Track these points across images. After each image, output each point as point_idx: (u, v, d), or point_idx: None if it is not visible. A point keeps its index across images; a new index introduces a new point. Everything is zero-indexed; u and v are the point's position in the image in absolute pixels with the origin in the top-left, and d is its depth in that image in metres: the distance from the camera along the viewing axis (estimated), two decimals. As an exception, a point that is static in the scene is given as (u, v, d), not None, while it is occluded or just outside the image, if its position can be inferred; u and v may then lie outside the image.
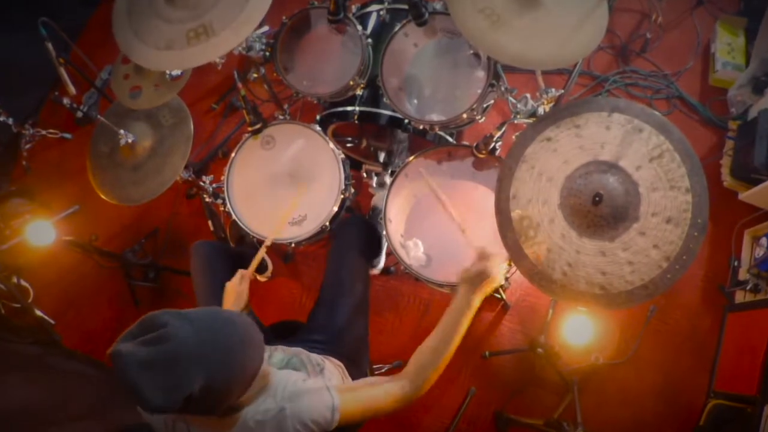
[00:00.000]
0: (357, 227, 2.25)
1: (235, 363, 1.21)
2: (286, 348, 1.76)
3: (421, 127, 2.27)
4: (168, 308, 1.20)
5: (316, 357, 1.78)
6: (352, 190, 2.39)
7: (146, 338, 1.11)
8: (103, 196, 2.37)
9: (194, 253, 2.21)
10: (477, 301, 1.60)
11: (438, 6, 2.22)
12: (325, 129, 2.44)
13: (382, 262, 2.85)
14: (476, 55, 2.26)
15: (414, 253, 2.17)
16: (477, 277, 1.61)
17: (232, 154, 2.40)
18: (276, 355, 1.69)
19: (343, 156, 2.33)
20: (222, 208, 2.43)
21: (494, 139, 2.07)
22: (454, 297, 1.62)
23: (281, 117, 2.51)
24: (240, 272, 2.00)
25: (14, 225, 3.08)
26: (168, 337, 1.11)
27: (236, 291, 1.96)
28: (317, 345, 1.91)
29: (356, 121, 2.38)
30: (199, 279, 2.15)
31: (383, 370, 2.74)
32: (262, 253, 2.12)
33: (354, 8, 2.46)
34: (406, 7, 2.18)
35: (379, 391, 1.50)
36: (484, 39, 1.80)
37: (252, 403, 1.35)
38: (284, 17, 2.36)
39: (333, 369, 1.82)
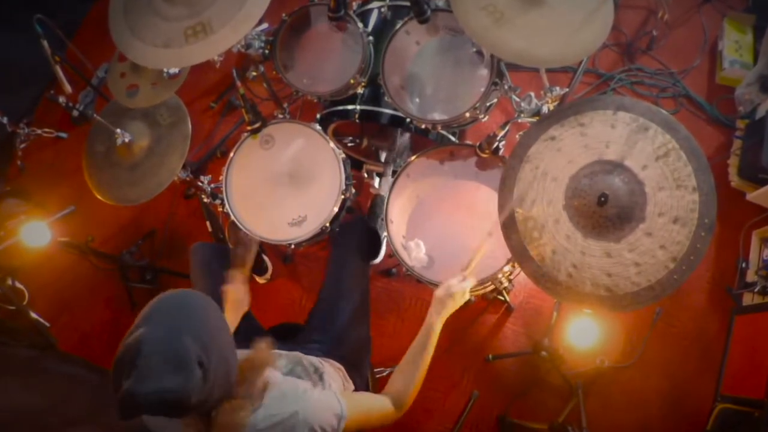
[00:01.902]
0: (358, 229, 2.25)
1: (209, 324, 1.22)
2: (288, 353, 1.77)
3: (423, 126, 2.27)
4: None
5: (314, 360, 1.78)
6: (353, 191, 2.39)
7: (130, 365, 1.10)
8: (99, 197, 2.37)
9: (192, 255, 2.21)
10: (441, 321, 1.74)
11: (440, 3, 2.23)
12: (325, 128, 2.44)
13: (380, 257, 2.86)
14: (479, 53, 2.27)
15: (416, 254, 2.17)
16: (445, 298, 1.76)
17: (231, 154, 2.40)
18: (280, 360, 1.70)
19: (343, 156, 2.33)
20: (220, 209, 2.43)
21: (497, 138, 2.07)
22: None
23: (281, 116, 2.51)
24: (239, 274, 2.01)
25: (9, 226, 3.08)
26: (142, 341, 1.11)
27: (238, 296, 1.98)
28: (317, 349, 1.91)
29: (357, 120, 2.38)
30: (198, 282, 2.15)
31: (385, 374, 2.74)
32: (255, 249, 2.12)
33: (355, 5, 2.47)
34: (407, 4, 2.18)
35: (373, 404, 1.61)
36: (487, 36, 1.80)
37: (262, 407, 1.35)
38: (284, 14, 2.36)
39: (333, 372, 1.82)
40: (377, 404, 1.60)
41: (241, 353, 1.40)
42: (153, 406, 1.10)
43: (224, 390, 1.25)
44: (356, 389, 1.92)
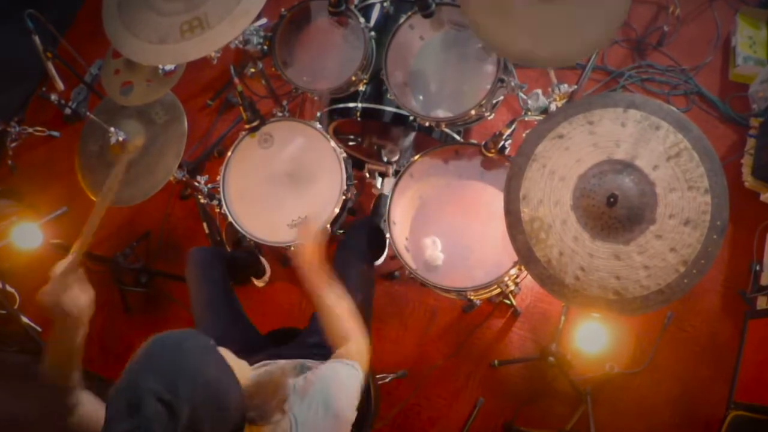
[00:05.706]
0: (365, 231, 2.25)
1: (186, 363, 1.19)
2: (288, 362, 1.77)
3: (427, 124, 2.28)
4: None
5: (314, 365, 1.78)
6: (355, 191, 2.40)
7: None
8: (92, 197, 2.37)
9: (189, 261, 2.21)
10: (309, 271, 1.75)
11: (444, -3, 2.23)
12: (326, 126, 2.45)
13: (382, 259, 2.87)
14: (485, 49, 2.27)
15: (431, 251, 2.18)
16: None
17: (229, 153, 2.40)
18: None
19: (344, 155, 2.33)
20: (218, 210, 2.43)
21: (504, 137, 2.07)
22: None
23: (280, 114, 2.52)
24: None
25: (0, 228, 3.09)
26: (116, 388, 1.13)
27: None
28: (317, 352, 1.90)
29: (359, 118, 2.39)
30: (196, 288, 2.14)
31: (387, 380, 2.75)
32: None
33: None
34: (411, -2, 2.19)
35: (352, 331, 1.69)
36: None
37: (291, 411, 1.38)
38: (283, 9, 2.37)
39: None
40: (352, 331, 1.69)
41: (257, 373, 1.42)
42: None
43: (223, 421, 1.23)
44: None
